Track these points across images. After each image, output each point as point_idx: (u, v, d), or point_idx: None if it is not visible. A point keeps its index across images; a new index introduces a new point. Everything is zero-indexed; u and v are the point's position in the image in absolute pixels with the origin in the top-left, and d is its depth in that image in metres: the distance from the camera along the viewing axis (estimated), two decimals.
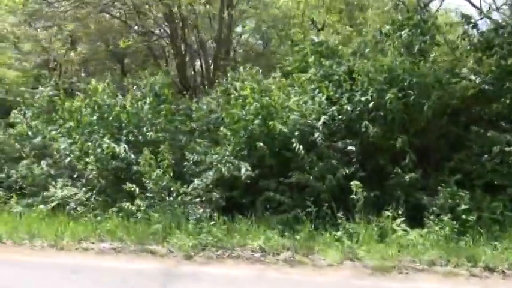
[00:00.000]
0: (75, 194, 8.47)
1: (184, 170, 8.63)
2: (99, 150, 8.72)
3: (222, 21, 14.54)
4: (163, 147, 8.35)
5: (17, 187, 9.51)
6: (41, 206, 8.25)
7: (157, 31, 16.32)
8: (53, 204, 8.33)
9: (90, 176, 8.55)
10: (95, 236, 6.91)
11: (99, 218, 7.89)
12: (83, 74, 20.10)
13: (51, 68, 19.26)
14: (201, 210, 7.86)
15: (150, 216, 7.61)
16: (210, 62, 15.48)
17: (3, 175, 9.73)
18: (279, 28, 16.59)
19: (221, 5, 14.24)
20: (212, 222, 6.76)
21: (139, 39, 15.62)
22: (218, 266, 5.57)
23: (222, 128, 8.72)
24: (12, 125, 12.60)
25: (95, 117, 9.20)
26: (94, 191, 8.55)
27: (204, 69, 15.59)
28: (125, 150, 8.52)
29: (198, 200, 8.07)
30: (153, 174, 8.10)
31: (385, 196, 7.24)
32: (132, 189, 8.07)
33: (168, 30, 15.59)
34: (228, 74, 10.48)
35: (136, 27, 16.70)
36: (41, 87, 15.66)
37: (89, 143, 8.87)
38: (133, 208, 7.79)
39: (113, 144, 8.60)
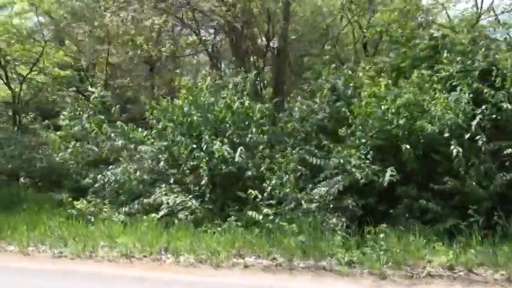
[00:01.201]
0: (183, 201, 7.64)
1: (298, 174, 7.88)
2: (202, 153, 7.97)
3: (285, 19, 13.88)
4: (289, 150, 7.66)
5: (106, 193, 8.65)
6: (153, 215, 7.41)
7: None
8: (162, 213, 7.51)
9: (203, 182, 7.71)
10: (232, 250, 6.08)
11: (218, 228, 7.09)
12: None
13: (83, 69, 18.48)
14: (334, 219, 7.10)
15: (279, 226, 6.85)
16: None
17: (89, 180, 8.85)
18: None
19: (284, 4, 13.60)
20: (382, 235, 5.96)
21: (197, 38, 14.80)
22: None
23: (342, 129, 7.96)
24: (58, 128, 11.88)
25: (196, 117, 8.39)
26: (205, 198, 7.73)
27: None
28: (240, 154, 7.73)
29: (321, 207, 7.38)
30: (274, 180, 7.40)
31: None
32: (252, 196, 7.33)
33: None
34: (323, 73, 9.74)
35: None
36: (90, 88, 14.97)
37: (194, 145, 8.10)
38: (260, 217, 7.01)
39: (225, 147, 7.83)
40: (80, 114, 12.48)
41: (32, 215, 7.88)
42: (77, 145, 9.57)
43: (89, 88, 14.95)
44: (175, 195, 7.66)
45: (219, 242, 6.29)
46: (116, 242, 6.45)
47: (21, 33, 12.20)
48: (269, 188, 7.37)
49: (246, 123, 8.62)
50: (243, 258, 5.81)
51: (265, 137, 8.55)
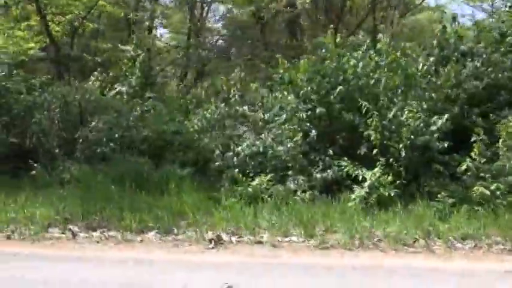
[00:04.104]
0: (380, 177, 6.52)
1: None
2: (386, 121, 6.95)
3: None
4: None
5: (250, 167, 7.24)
6: (357, 193, 6.31)
7: None
8: (364, 191, 6.37)
9: (403, 155, 6.65)
10: None
11: (436, 206, 6.15)
12: None
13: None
14: None
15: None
16: None
17: (229, 153, 7.33)
18: None
19: None
20: None
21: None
22: None
23: None
24: None
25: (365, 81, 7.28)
26: (402, 173, 6.68)
27: None
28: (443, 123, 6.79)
29: None
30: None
31: None
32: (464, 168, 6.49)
33: None
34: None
35: None
36: (122, 46, 13.01)
37: (375, 112, 6.98)
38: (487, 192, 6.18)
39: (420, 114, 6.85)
40: (126, 75, 10.87)
41: (194, 197, 6.29)
42: (213, 108, 7.91)
43: (121, 46, 12.89)
44: (378, 169, 6.54)
45: (487, 225, 5.40)
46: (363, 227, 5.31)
47: None
48: (482, 160, 6.57)
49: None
50: None
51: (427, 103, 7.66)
